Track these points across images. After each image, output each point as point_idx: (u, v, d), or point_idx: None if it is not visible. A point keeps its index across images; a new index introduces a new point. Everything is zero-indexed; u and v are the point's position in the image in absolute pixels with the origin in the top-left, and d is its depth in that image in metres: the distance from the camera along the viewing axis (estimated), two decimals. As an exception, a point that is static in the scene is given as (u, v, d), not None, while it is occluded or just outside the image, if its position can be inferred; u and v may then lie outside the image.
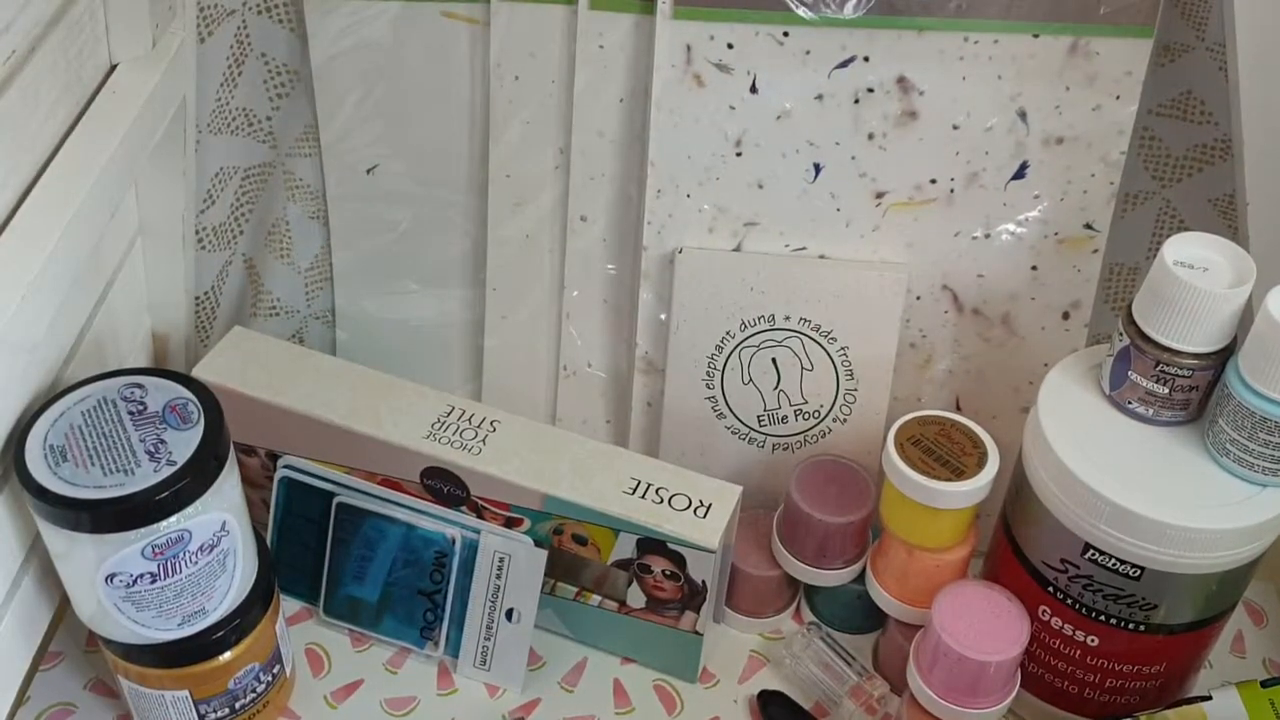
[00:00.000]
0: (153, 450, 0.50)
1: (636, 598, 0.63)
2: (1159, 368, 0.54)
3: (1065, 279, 0.66)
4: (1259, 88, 0.57)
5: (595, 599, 0.64)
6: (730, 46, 0.62)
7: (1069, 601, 0.57)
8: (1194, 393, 0.54)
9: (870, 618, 0.67)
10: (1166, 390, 0.54)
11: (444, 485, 0.62)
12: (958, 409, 0.69)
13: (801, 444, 0.69)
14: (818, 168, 0.64)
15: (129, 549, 0.50)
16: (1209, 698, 0.57)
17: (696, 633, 0.63)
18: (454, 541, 0.63)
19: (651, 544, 0.60)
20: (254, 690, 0.59)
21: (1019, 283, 0.66)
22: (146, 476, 0.49)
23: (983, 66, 0.61)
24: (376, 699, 0.64)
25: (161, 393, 0.53)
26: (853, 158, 0.63)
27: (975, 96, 0.62)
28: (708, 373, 0.68)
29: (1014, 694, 0.58)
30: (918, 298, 0.67)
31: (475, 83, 0.67)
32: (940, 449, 0.59)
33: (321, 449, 0.64)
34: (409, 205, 0.72)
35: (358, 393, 0.64)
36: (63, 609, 0.62)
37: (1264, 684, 0.57)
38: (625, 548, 0.61)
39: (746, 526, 0.67)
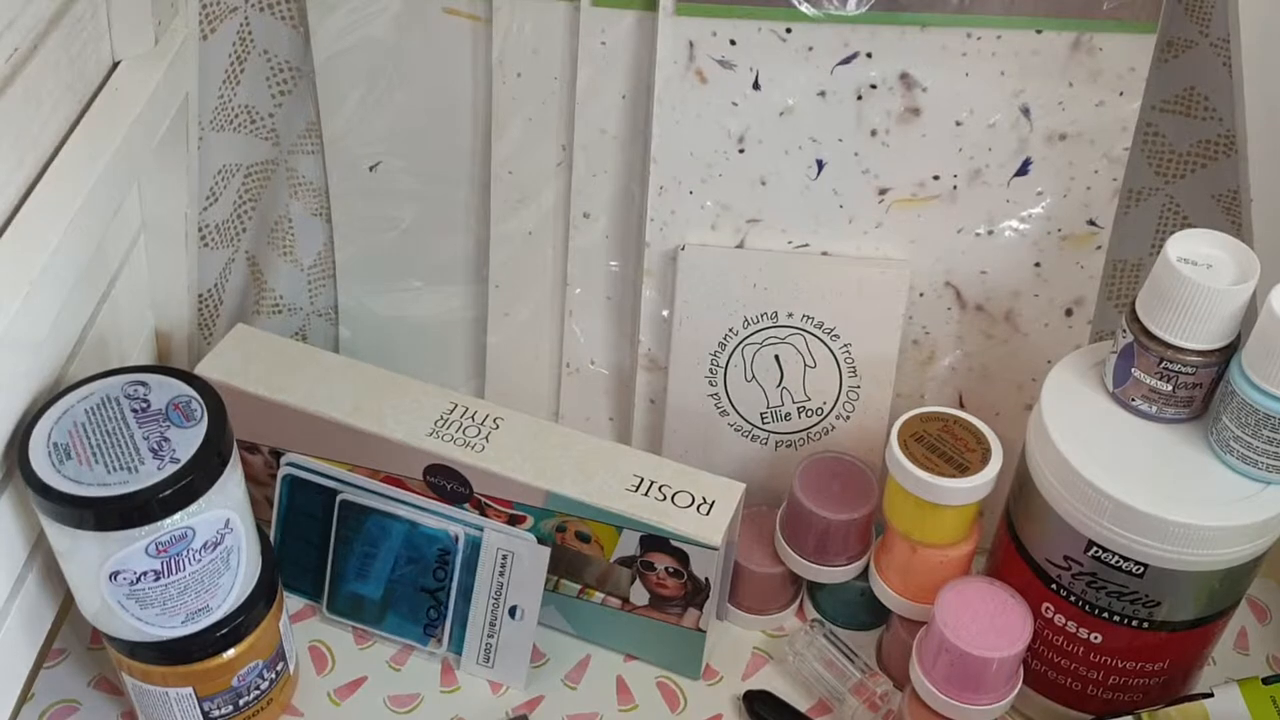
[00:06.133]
0: (156, 448, 0.50)
1: (639, 595, 0.63)
2: (1162, 365, 0.54)
3: (1068, 275, 0.66)
4: (1262, 83, 0.57)
5: (598, 596, 0.64)
6: (733, 43, 0.62)
7: (1072, 598, 0.57)
8: (1197, 390, 0.54)
9: (873, 614, 0.67)
10: (1170, 387, 0.54)
11: (447, 482, 0.62)
12: (961, 406, 0.69)
13: (804, 441, 0.69)
14: (820, 164, 0.64)
15: (133, 547, 0.50)
16: (1211, 695, 0.57)
17: (699, 630, 0.63)
18: (457, 539, 0.63)
19: (654, 541, 0.60)
20: (258, 687, 0.59)
21: (1022, 279, 0.66)
22: (150, 474, 0.49)
23: (985, 63, 0.61)
24: (380, 696, 0.64)
25: (165, 390, 0.53)
26: (855, 154, 0.63)
27: (978, 93, 0.62)
28: (710, 370, 0.68)
29: (1017, 690, 0.59)
30: (920, 294, 0.67)
31: (477, 79, 0.67)
32: (943, 445, 0.59)
33: (325, 446, 0.64)
34: (411, 202, 0.72)
35: (360, 390, 0.64)
36: (67, 606, 0.62)
37: (1265, 680, 0.57)
38: (628, 545, 0.61)
39: (749, 523, 0.67)
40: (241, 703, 0.59)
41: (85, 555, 0.50)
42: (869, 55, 0.61)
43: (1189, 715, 0.57)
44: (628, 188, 0.67)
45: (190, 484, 0.50)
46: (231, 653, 0.56)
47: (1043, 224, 0.65)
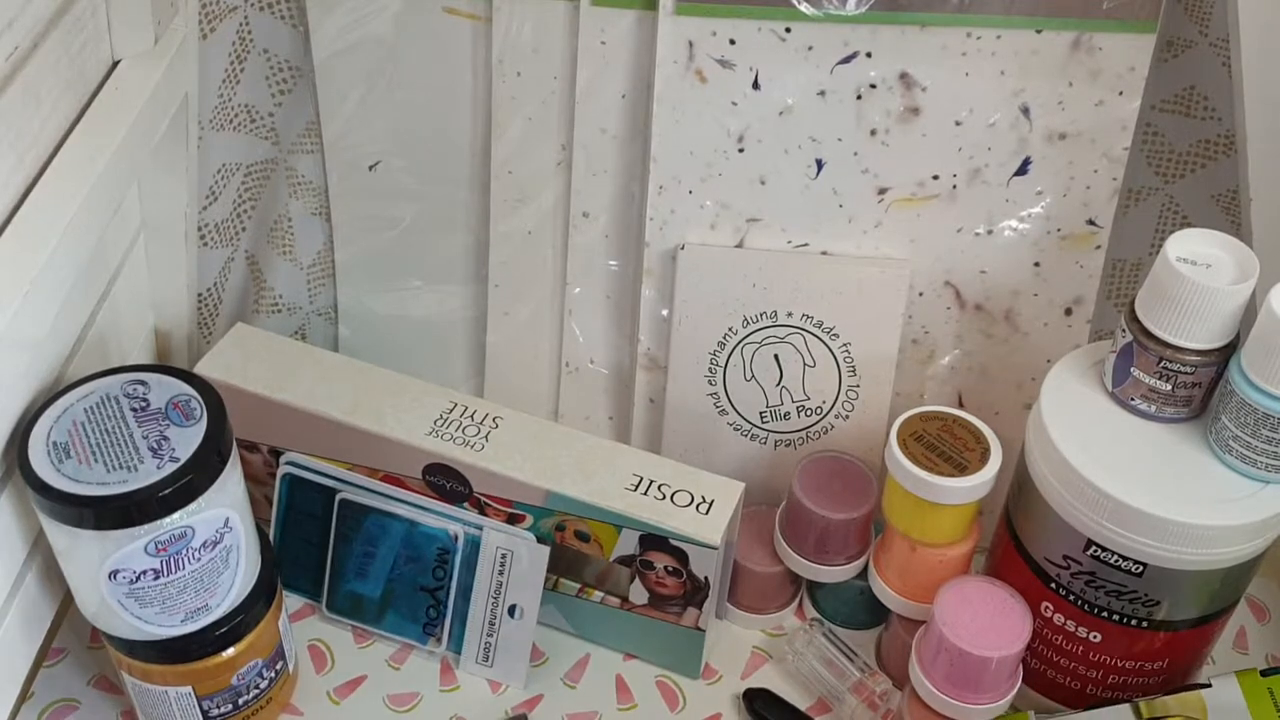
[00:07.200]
0: (155, 447, 0.50)
1: (639, 594, 0.63)
2: (1162, 364, 0.54)
3: (1068, 275, 0.66)
4: (1262, 83, 0.57)
5: (598, 595, 0.64)
6: (732, 42, 0.62)
7: (1071, 598, 0.57)
8: (1196, 389, 0.54)
9: (873, 613, 0.67)
10: (1169, 387, 0.54)
11: (446, 482, 0.62)
12: (960, 405, 0.69)
13: (804, 440, 0.69)
14: (820, 164, 0.64)
15: (132, 545, 0.50)
16: (1209, 685, 0.57)
17: (699, 629, 0.63)
18: (456, 538, 0.63)
19: (654, 540, 0.60)
20: (257, 686, 0.59)
21: (1022, 279, 0.66)
22: (149, 473, 0.49)
23: (985, 62, 0.61)
24: (379, 695, 0.64)
25: (164, 389, 0.53)
26: (855, 154, 0.63)
27: (978, 92, 0.62)
28: (710, 369, 0.68)
29: (1016, 689, 0.59)
30: (920, 294, 0.67)
31: (477, 79, 0.67)
32: (943, 445, 0.59)
33: (324, 445, 0.64)
34: (411, 202, 0.72)
35: (360, 389, 0.64)
36: (66, 605, 0.62)
37: (1264, 673, 0.57)
38: (628, 544, 0.61)
39: (749, 522, 0.67)
40: (241, 701, 0.59)
41: (85, 554, 0.50)
42: (869, 55, 0.61)
43: (1186, 704, 0.57)
44: (627, 187, 0.67)
45: (190, 483, 0.50)
46: (231, 651, 0.56)
47: (1042, 223, 0.65)
